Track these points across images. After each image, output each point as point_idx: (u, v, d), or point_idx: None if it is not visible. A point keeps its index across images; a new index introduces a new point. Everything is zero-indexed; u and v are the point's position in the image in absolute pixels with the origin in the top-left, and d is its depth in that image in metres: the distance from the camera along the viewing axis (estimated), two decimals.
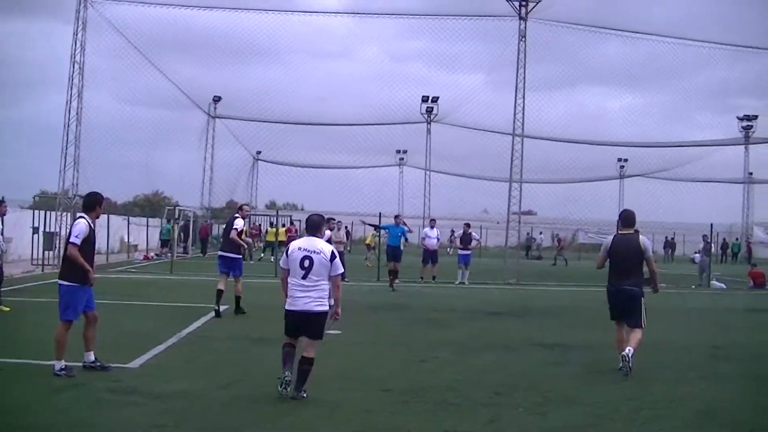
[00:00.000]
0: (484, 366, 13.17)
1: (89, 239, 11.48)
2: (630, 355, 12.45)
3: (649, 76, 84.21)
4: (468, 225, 32.97)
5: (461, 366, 13.06)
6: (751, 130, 71.86)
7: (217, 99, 64.98)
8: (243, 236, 19.87)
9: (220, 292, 18.61)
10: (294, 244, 10.56)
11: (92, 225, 11.59)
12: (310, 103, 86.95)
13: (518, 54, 37.60)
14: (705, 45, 50.99)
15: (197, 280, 29.80)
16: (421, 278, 31.79)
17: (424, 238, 32.57)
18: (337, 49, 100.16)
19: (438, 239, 32.36)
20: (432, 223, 33.41)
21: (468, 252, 32.38)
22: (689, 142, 66.24)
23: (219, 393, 10.44)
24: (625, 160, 76.65)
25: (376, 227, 32.94)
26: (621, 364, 12.53)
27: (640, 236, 13.28)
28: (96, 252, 12.21)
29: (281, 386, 10.09)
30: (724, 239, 71.33)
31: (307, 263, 10.19)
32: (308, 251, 10.26)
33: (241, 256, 19.60)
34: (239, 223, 19.22)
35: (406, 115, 65.74)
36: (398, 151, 74.62)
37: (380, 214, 35.16)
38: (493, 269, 38.48)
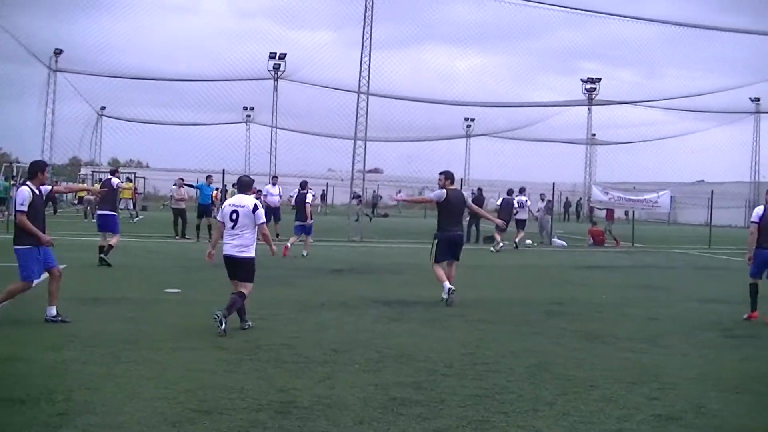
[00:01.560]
0: (323, 323, 13.14)
1: (35, 204, 12.25)
2: (453, 288, 15.62)
3: (496, 38, 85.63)
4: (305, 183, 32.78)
5: (300, 324, 12.99)
6: (595, 92, 74.08)
7: (58, 52, 63.07)
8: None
9: (101, 248, 20.59)
10: (227, 201, 12.84)
11: (37, 190, 12.39)
12: (156, 58, 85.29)
13: (365, 11, 37.53)
14: (551, 8, 52.02)
15: None
16: (264, 235, 31.50)
17: (266, 195, 32.27)
18: (183, 3, 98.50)
19: (280, 196, 32.26)
20: (274, 180, 33.26)
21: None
22: (535, 102, 67.74)
23: (48, 356, 10.10)
24: (472, 120, 77.93)
25: (192, 186, 32.72)
26: (448, 297, 15.48)
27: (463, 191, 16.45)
28: None
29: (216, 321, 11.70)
30: (567, 198, 73.25)
31: (234, 216, 12.28)
32: (235, 206, 12.35)
33: (116, 214, 21.65)
34: (116, 182, 21.86)
35: (254, 72, 65.26)
36: (245, 108, 73.98)
37: (224, 171, 34.85)
38: (338, 227, 38.52)
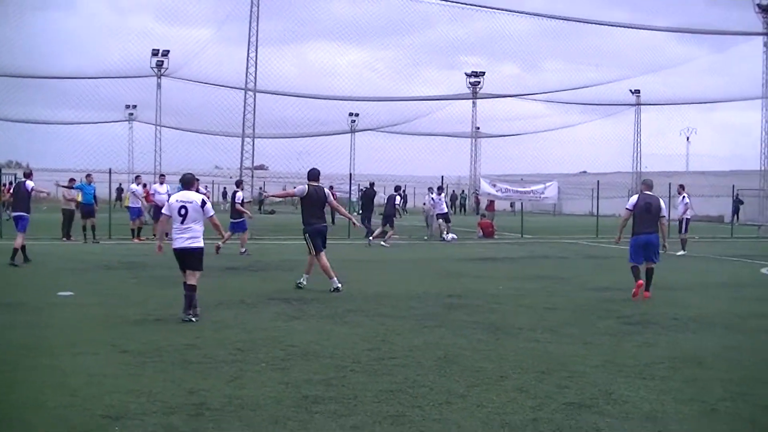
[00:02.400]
0: (223, 322, 12.94)
1: None
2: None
3: (379, 33, 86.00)
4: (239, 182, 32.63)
5: (200, 323, 12.76)
6: (479, 86, 75.00)
7: None
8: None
9: (21, 248, 21.28)
10: (173, 197, 13.57)
11: None
12: (35, 56, 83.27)
13: (251, 7, 37.26)
14: (432, 3, 52.31)
15: None
16: (154, 235, 31.05)
17: (153, 194, 31.77)
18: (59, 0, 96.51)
19: (169, 195, 31.76)
20: (161, 179, 32.83)
21: None
22: (419, 96, 68.18)
23: None
24: (356, 115, 78.10)
25: (71, 188, 31.84)
26: (338, 286, 16.80)
27: (325, 188, 17.74)
28: None
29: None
30: (453, 191, 73.99)
31: (183, 211, 13.11)
32: (184, 202, 13.20)
33: (27, 214, 21.91)
34: (31, 185, 22.31)
35: (136, 69, 64.22)
36: (128, 106, 72.75)
37: (110, 170, 34.24)
38: (226, 224, 38.07)
